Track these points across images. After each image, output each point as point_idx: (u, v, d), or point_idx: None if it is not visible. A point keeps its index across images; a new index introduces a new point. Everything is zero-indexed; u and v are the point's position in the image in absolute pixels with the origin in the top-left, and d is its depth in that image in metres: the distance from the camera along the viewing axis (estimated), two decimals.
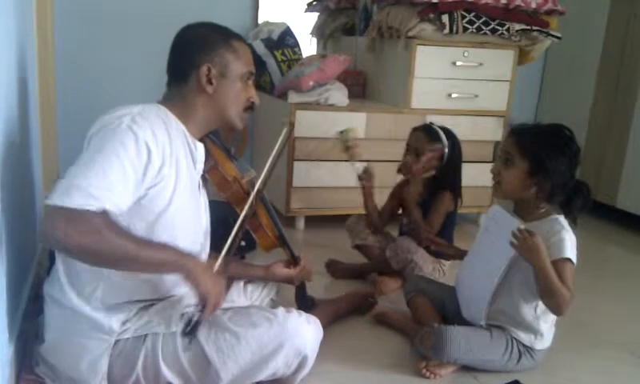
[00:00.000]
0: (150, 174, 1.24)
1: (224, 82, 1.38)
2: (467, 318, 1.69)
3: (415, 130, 2.20)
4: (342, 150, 2.21)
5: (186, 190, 1.36)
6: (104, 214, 1.14)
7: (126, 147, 1.19)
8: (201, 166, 1.44)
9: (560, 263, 1.53)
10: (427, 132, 2.14)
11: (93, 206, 1.12)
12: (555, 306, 1.54)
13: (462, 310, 1.72)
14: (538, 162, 1.56)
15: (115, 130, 1.21)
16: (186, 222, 1.37)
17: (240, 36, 1.45)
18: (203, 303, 1.28)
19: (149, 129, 1.25)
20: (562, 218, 1.60)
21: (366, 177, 2.21)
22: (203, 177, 1.48)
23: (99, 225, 1.13)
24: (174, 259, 1.26)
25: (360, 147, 2.20)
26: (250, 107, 1.46)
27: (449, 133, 2.16)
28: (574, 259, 1.55)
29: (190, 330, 1.31)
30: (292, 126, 1.64)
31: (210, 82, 1.36)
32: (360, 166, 2.21)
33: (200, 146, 1.43)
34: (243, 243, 2.16)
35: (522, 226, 1.52)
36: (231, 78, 1.39)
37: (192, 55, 1.37)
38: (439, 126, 2.18)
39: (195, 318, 1.32)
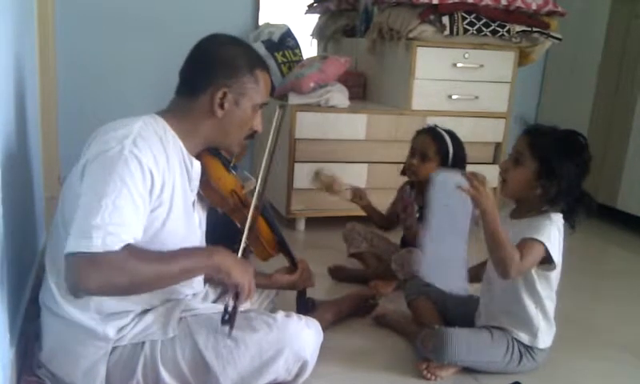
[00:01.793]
0: (152, 198, 1.24)
1: (236, 109, 1.36)
2: (452, 291, 1.65)
3: (420, 132, 2.19)
4: (323, 191, 2.17)
5: (180, 210, 1.34)
6: (126, 248, 1.14)
7: (132, 176, 1.18)
8: (196, 184, 1.42)
9: (528, 239, 1.52)
10: (432, 135, 2.13)
11: (114, 245, 1.12)
12: (501, 262, 1.50)
13: (443, 288, 1.68)
14: (547, 165, 1.56)
15: (118, 157, 1.18)
16: (180, 243, 1.33)
17: (265, 65, 1.42)
18: (236, 291, 1.30)
19: (150, 153, 1.23)
20: (555, 215, 1.59)
21: (357, 197, 2.21)
22: (199, 193, 1.46)
23: (124, 261, 1.13)
24: (202, 261, 1.28)
25: (338, 182, 2.14)
26: (251, 136, 1.44)
27: (452, 135, 2.15)
28: (550, 248, 1.53)
29: (229, 318, 1.31)
30: (283, 109, 1.62)
31: (221, 106, 1.33)
32: (347, 193, 2.18)
33: (196, 164, 1.39)
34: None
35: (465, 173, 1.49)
36: (244, 107, 1.36)
37: (212, 74, 1.33)
38: (443, 129, 2.17)
39: (230, 307, 1.31)
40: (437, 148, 2.11)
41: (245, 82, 1.35)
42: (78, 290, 1.15)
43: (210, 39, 1.38)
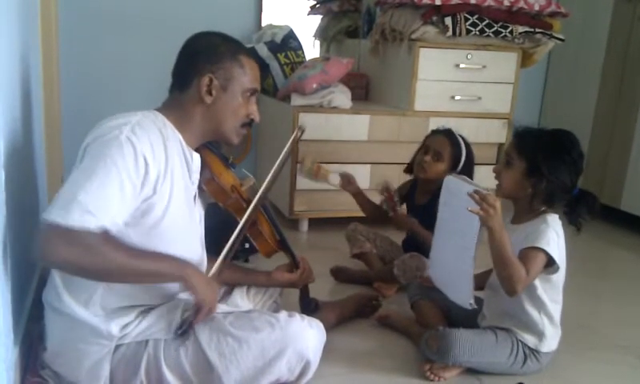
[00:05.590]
0: (147, 187, 1.24)
1: (224, 94, 1.37)
2: (456, 302, 1.65)
3: (437, 132, 2.18)
4: (312, 179, 2.15)
5: (181, 202, 1.35)
6: (101, 231, 1.14)
7: (125, 160, 1.19)
8: (196, 176, 1.43)
9: (529, 249, 1.53)
10: (450, 138, 2.13)
11: (91, 223, 1.12)
12: (508, 280, 1.50)
13: (448, 296, 1.69)
14: (534, 163, 1.57)
15: (114, 140, 1.20)
16: (181, 234, 1.35)
17: (250, 51, 1.44)
18: (198, 307, 1.29)
19: (147, 141, 1.24)
20: (550, 217, 1.59)
21: (346, 182, 2.20)
22: (200, 188, 1.47)
23: (97, 243, 1.13)
24: (170, 269, 1.27)
25: (323, 166, 2.12)
26: (248, 123, 1.45)
27: (467, 143, 2.16)
28: (551, 253, 1.53)
29: (183, 331, 1.32)
30: (300, 130, 1.65)
31: (209, 92, 1.35)
32: (335, 180, 2.16)
33: (196, 157, 1.41)
34: (247, 245, 2.16)
35: (478, 188, 1.48)
36: (232, 92, 1.38)
37: (197, 63, 1.36)
38: (458, 134, 2.15)
39: (189, 321, 1.32)
40: (452, 151, 2.12)
41: (229, 67, 1.37)
42: (46, 259, 1.15)
43: (193, 35, 1.42)
